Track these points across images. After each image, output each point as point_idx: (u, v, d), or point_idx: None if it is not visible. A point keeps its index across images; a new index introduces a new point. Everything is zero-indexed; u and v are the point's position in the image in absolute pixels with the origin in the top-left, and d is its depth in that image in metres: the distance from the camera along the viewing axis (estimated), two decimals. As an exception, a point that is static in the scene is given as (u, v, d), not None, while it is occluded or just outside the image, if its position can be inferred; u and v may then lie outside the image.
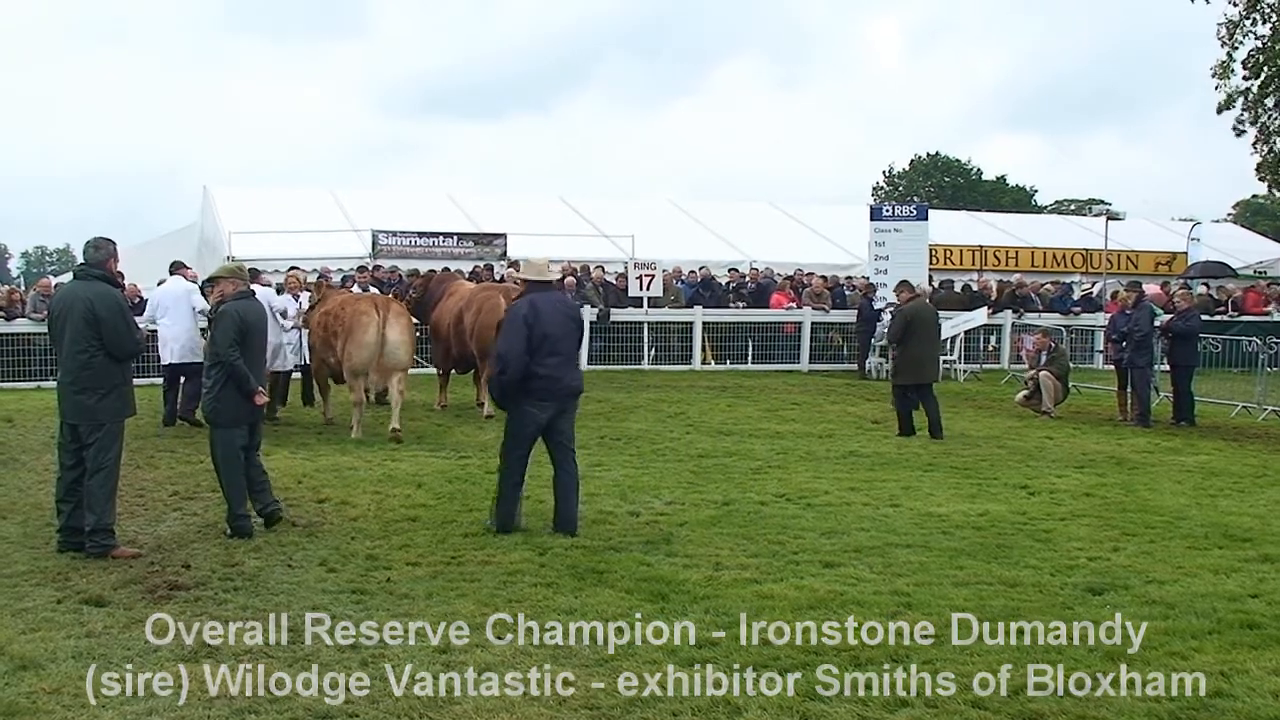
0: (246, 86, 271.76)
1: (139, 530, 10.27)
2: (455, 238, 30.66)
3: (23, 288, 33.95)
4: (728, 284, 29.38)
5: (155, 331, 17.47)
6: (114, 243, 9.81)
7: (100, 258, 9.64)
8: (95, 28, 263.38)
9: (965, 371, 26.73)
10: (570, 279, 27.33)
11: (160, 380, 17.70)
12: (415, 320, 18.50)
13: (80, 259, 10.05)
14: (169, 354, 17.15)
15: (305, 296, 19.29)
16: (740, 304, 28.49)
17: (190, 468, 13.44)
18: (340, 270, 27.06)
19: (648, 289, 26.92)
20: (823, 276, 30.25)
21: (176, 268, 18.36)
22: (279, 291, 19.14)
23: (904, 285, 17.83)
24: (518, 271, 12.09)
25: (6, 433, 16.35)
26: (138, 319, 11.01)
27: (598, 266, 28.69)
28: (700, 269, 29.84)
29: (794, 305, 28.14)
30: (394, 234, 29.99)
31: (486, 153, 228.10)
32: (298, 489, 12.20)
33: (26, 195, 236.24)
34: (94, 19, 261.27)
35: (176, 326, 17.17)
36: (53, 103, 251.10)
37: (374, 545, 9.68)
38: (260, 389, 10.35)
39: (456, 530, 10.24)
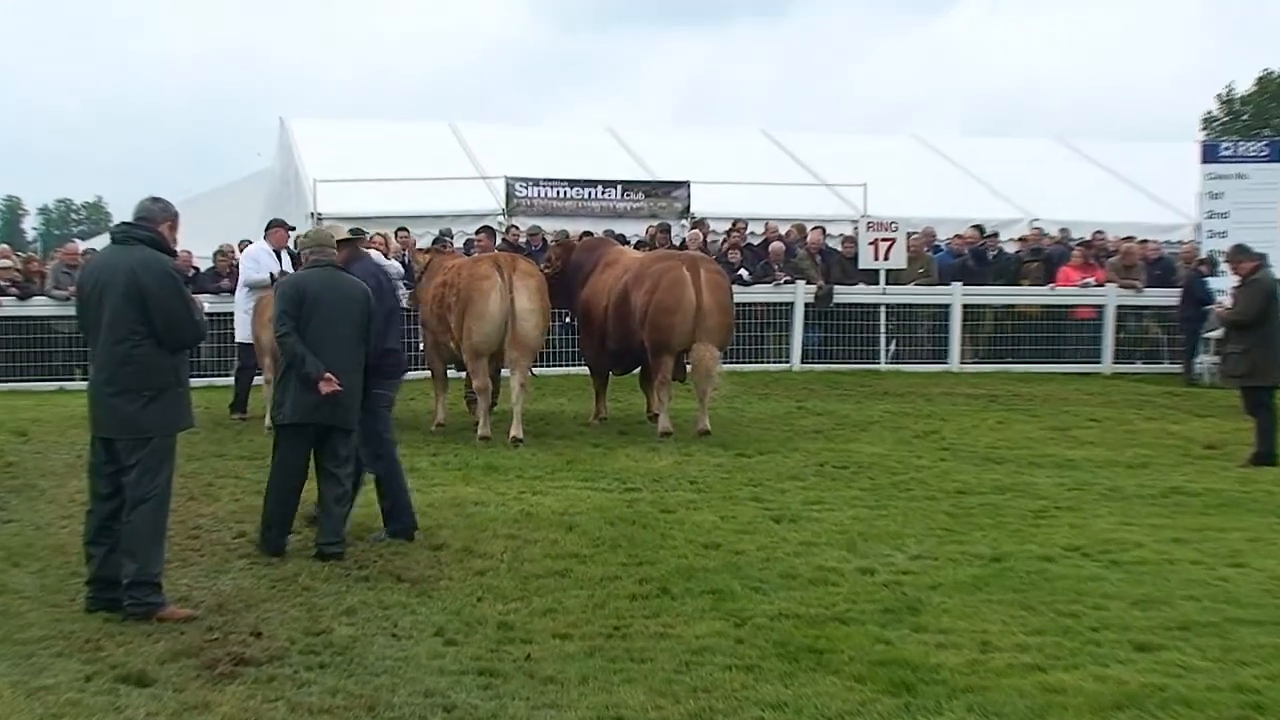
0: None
1: (194, 584, 10.51)
2: (618, 188, 30.63)
3: (41, 255, 34.97)
4: (1017, 253, 28.84)
5: None
6: (175, 208, 10.12)
7: (154, 215, 9.89)
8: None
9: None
10: (777, 244, 27.20)
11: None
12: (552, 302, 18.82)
13: (118, 218, 10.36)
14: None
15: (396, 265, 19.87)
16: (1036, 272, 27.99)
17: (262, 499, 13.71)
18: (463, 232, 27.29)
19: (886, 258, 26.62)
20: (1141, 241, 29.53)
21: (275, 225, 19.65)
22: None
23: (1242, 252, 17.46)
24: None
25: (20, 450, 16.88)
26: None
27: (815, 227, 28.46)
28: (976, 229, 29.19)
29: (1092, 281, 27.58)
30: (536, 183, 30.16)
31: (679, 73, 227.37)
32: (404, 530, 12.39)
33: (47, 134, 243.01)
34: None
35: None
36: (96, 16, 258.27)
37: (508, 609, 9.76)
38: (326, 374, 11.10)
39: (620, 590, 10.28)
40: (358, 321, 11.43)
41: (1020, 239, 29.79)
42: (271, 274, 18.23)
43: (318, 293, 11.35)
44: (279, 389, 11.63)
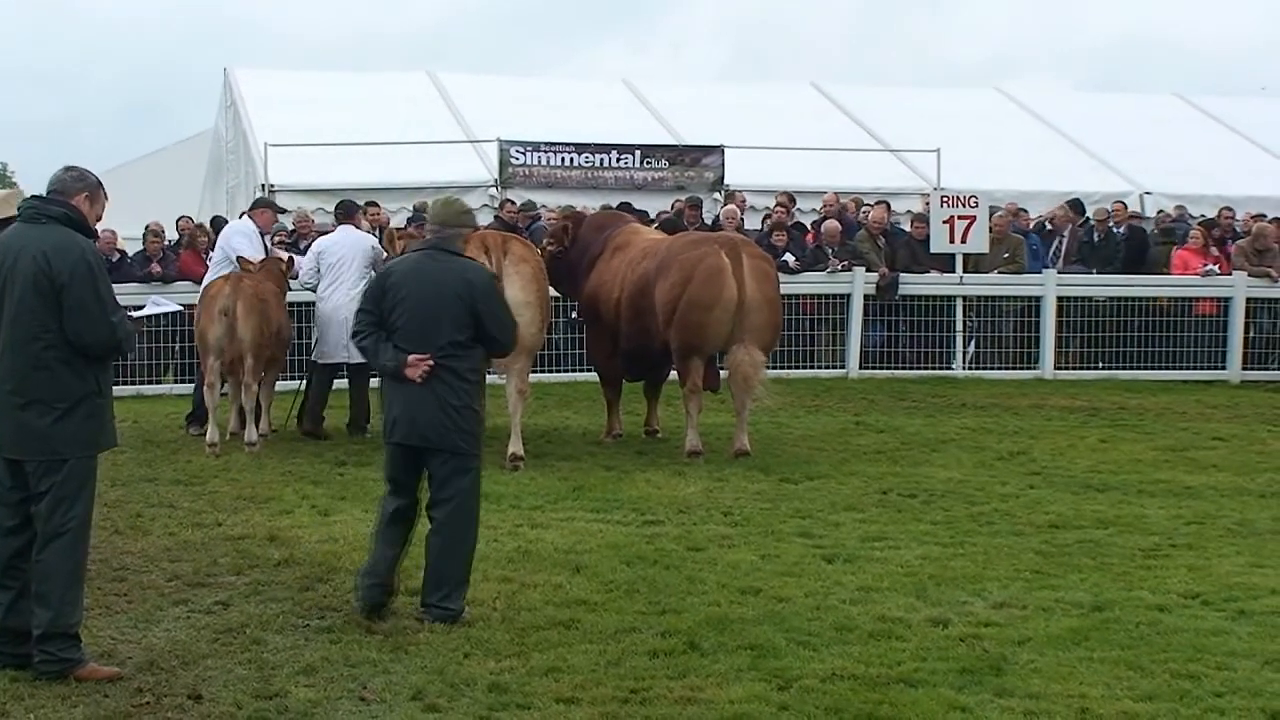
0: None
1: (120, 636, 10.50)
2: (637, 154, 30.76)
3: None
4: (1158, 230, 28.76)
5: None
6: (97, 178, 10.06)
7: (70, 187, 9.83)
8: None
9: None
10: (831, 222, 27.17)
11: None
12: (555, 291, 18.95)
13: (30, 191, 10.31)
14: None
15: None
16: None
17: (202, 533, 13.80)
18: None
19: (964, 240, 26.58)
20: (1275, 219, 29.30)
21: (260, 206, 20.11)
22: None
23: None
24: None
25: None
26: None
27: (878, 202, 28.51)
28: (1071, 205, 29.17)
29: (1215, 268, 27.51)
30: (536, 148, 30.23)
31: (720, 14, 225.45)
32: (375, 572, 12.35)
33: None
34: None
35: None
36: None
37: (501, 668, 9.76)
38: (410, 356, 10.97)
39: (639, 645, 10.27)
40: (455, 316, 11.01)
41: (1134, 215, 29.70)
42: (240, 259, 18.35)
43: (399, 282, 11.16)
44: (384, 400, 11.54)
